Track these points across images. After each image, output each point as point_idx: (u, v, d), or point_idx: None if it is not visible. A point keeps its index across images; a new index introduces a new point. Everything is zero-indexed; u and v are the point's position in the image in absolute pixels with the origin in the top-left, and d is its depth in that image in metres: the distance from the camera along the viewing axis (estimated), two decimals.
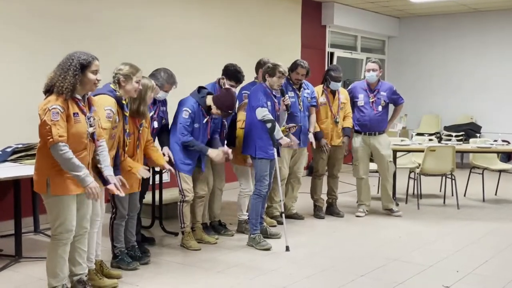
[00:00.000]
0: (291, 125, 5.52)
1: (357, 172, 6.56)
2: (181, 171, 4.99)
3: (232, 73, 5.38)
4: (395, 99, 6.56)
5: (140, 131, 4.43)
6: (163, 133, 5.06)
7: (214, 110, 4.97)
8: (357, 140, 6.50)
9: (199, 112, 5.00)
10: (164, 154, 4.82)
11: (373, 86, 6.45)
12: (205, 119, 5.05)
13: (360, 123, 6.46)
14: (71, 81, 3.43)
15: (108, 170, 3.74)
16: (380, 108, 6.40)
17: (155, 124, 4.87)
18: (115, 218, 4.45)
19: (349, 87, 6.76)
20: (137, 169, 4.33)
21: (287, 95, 5.50)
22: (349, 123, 6.45)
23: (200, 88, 5.12)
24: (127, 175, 4.28)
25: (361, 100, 6.43)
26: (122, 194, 3.84)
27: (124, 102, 4.17)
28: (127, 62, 4.23)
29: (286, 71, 5.37)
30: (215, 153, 5.01)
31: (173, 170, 4.80)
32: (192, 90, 5.12)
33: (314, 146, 6.21)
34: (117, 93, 4.13)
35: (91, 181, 3.48)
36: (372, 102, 6.39)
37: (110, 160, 3.83)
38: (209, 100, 5.00)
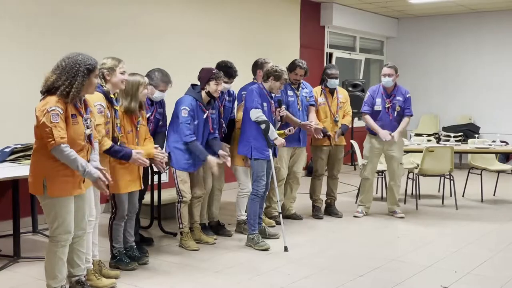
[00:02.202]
0: (290, 128, 5.54)
1: (364, 172, 6.52)
2: (179, 169, 4.99)
3: (223, 69, 5.33)
4: (404, 108, 6.31)
5: (138, 129, 4.43)
6: (158, 136, 5.00)
7: (212, 86, 4.95)
8: (371, 141, 6.42)
9: (197, 108, 5.00)
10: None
11: (389, 91, 6.32)
12: (205, 114, 5.05)
13: None
14: (78, 87, 3.43)
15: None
16: (395, 113, 6.28)
17: (150, 126, 4.84)
18: (115, 219, 4.45)
19: (368, 90, 6.55)
20: (148, 152, 4.41)
21: (283, 106, 5.46)
22: (347, 120, 6.45)
23: (193, 85, 5.13)
24: (126, 171, 4.32)
25: (378, 104, 6.33)
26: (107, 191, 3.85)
27: (113, 96, 4.17)
28: (108, 56, 4.23)
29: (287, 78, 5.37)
30: (214, 162, 4.95)
31: (162, 168, 4.71)
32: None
33: (321, 135, 6.05)
34: (104, 88, 4.13)
35: (96, 171, 3.52)
36: (388, 108, 6.28)
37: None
38: (203, 93, 5.01)
